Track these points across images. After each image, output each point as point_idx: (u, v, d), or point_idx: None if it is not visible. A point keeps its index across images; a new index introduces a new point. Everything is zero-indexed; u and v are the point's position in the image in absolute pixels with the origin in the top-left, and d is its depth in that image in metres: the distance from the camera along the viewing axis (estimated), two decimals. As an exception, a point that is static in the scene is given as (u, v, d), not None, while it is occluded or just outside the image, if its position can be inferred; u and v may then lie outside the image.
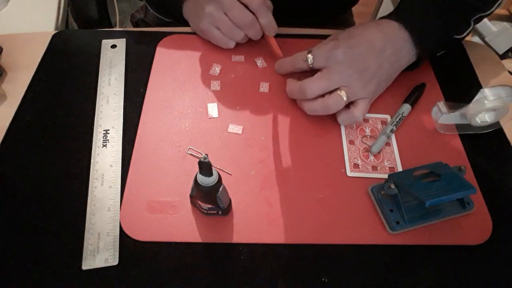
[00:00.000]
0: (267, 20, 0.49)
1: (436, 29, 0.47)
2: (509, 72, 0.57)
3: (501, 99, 0.43)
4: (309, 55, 0.46)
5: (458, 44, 0.58)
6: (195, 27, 0.55)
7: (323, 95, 0.45)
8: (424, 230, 0.40)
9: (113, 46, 0.54)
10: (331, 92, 0.45)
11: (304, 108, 0.47)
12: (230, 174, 0.43)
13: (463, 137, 0.47)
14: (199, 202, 0.38)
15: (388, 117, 0.49)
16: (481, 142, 0.47)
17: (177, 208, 0.40)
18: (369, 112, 0.49)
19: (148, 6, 0.62)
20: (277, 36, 0.52)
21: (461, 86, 0.53)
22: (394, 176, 0.40)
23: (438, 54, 0.52)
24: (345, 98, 0.44)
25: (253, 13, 0.49)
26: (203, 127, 0.46)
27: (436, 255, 0.39)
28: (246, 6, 0.49)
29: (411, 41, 0.47)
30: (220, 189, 0.36)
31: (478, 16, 0.49)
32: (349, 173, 0.44)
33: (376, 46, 0.45)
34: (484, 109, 0.44)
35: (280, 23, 0.51)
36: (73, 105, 0.48)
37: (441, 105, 0.46)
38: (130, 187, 0.41)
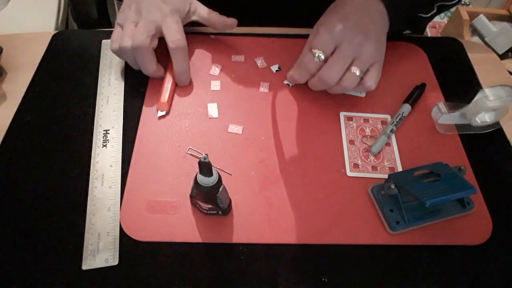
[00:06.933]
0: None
1: (405, 3, 0.50)
2: (509, 72, 0.57)
3: (501, 99, 0.43)
4: (315, 51, 0.45)
5: (422, 24, 0.59)
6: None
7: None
8: (424, 230, 0.40)
9: (113, 46, 0.54)
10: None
11: (328, 90, 0.48)
12: (230, 174, 0.43)
13: (463, 137, 0.47)
14: (199, 202, 0.38)
15: (388, 117, 0.49)
16: (481, 142, 0.47)
17: (177, 208, 0.40)
18: (369, 112, 0.49)
19: None
20: (278, 36, 0.52)
21: (461, 86, 0.53)
22: (394, 176, 0.40)
23: (404, 33, 0.57)
24: (358, 73, 0.45)
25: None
26: (203, 127, 0.46)
27: (436, 255, 0.39)
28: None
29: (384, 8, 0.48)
30: (220, 189, 0.36)
31: (441, 3, 0.53)
32: (349, 173, 0.44)
33: (360, 7, 0.46)
34: (484, 109, 0.44)
35: (281, 23, 0.51)
36: (73, 105, 0.48)
37: (441, 105, 0.46)
38: (130, 187, 0.41)
